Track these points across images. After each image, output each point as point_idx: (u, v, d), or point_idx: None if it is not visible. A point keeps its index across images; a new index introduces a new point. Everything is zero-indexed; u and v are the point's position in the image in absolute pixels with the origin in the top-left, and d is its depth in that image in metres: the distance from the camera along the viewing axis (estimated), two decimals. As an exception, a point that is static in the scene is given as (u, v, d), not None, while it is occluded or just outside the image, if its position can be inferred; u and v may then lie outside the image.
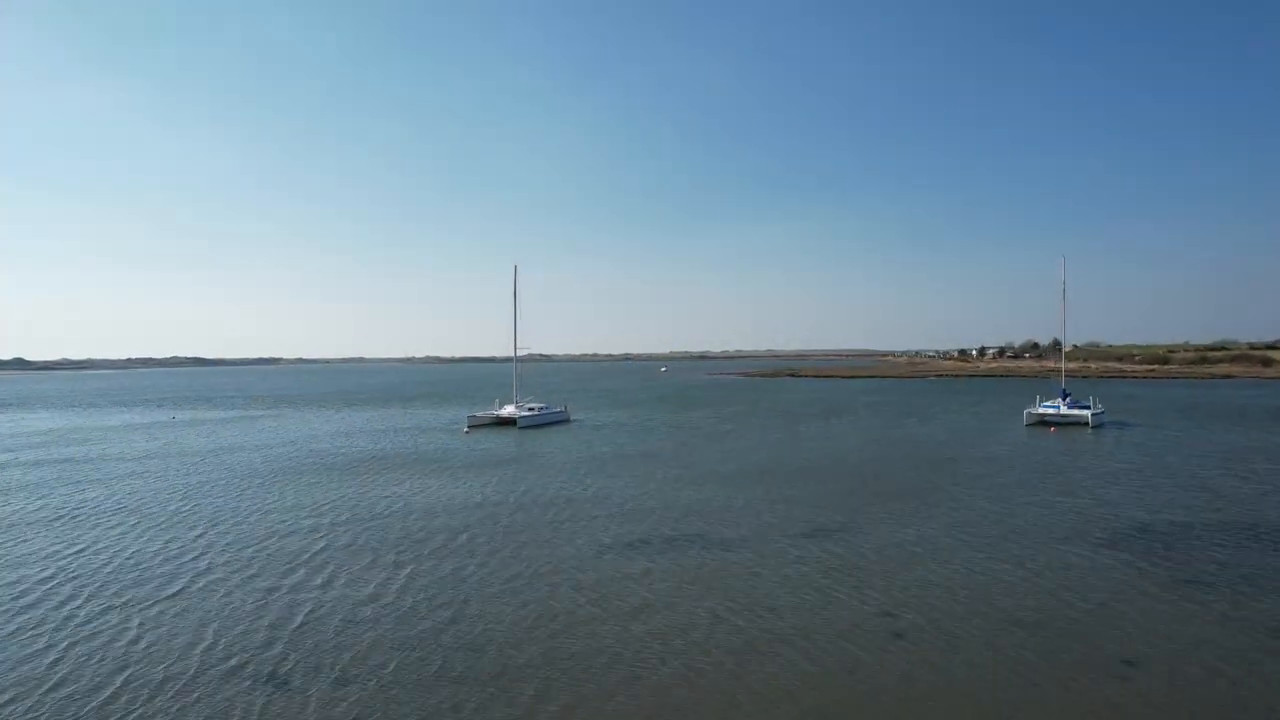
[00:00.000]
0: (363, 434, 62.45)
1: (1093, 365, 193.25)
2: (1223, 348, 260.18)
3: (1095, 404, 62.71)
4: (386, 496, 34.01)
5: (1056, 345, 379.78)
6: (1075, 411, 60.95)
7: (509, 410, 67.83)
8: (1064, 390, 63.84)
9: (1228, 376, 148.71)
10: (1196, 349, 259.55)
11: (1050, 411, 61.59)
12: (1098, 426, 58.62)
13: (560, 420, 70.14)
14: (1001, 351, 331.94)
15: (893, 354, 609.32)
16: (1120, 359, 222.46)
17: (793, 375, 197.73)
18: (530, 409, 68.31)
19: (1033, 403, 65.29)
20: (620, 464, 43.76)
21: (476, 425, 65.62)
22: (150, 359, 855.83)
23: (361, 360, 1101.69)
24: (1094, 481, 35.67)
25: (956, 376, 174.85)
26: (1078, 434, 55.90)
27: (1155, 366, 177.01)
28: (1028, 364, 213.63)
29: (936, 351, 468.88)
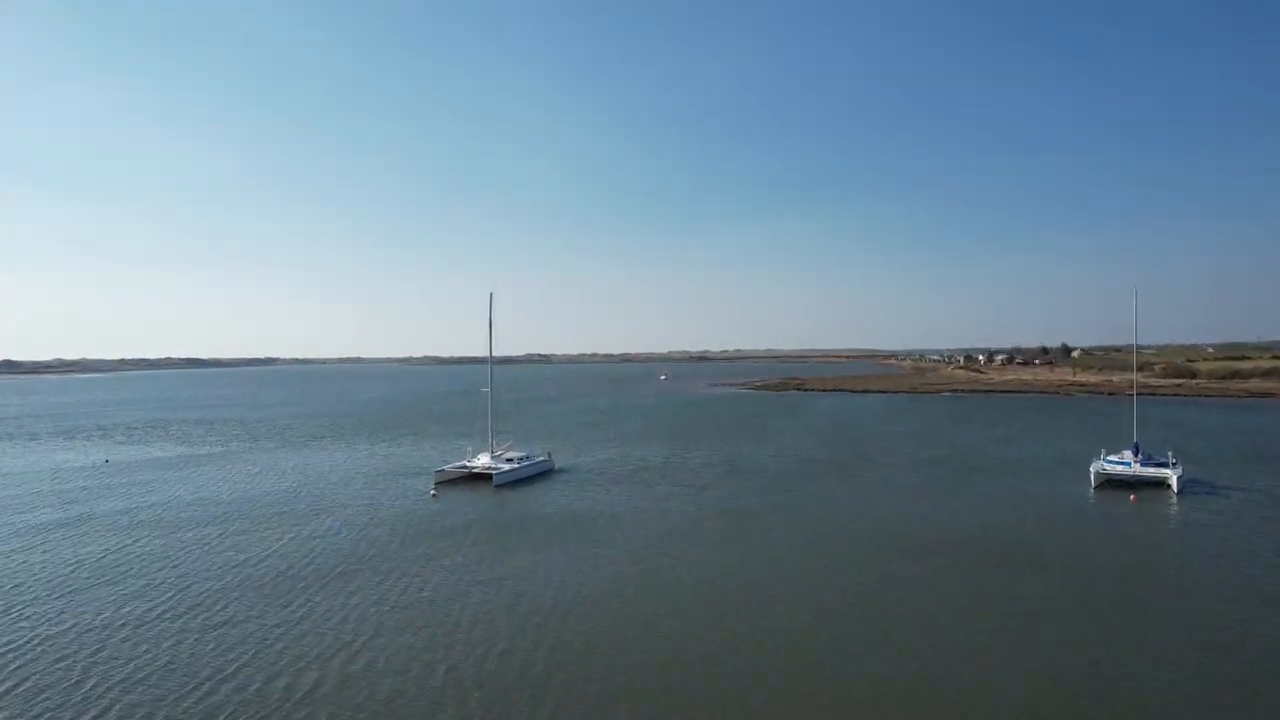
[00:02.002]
0: (310, 497, 52.82)
1: (1115, 379, 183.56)
2: (1242, 355, 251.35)
3: (1172, 460, 53.25)
4: (289, 653, 24.44)
5: (1066, 351, 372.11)
6: (1153, 471, 51.44)
7: (483, 462, 58.31)
8: (1135, 444, 54.21)
9: (1267, 395, 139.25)
10: (1216, 356, 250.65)
11: (1122, 470, 52.03)
12: (1183, 491, 48.93)
13: (543, 471, 60.61)
14: (1010, 358, 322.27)
15: (895, 356, 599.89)
16: (1140, 369, 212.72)
17: (799, 388, 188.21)
18: (508, 460, 58.81)
19: (1091, 448, 56.09)
20: (610, 568, 34.14)
21: (445, 481, 56.14)
22: (144, 360, 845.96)
23: (360, 360, 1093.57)
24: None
25: (971, 392, 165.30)
26: (1164, 503, 46.48)
27: (1182, 381, 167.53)
28: (1043, 375, 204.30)
29: (941, 355, 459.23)
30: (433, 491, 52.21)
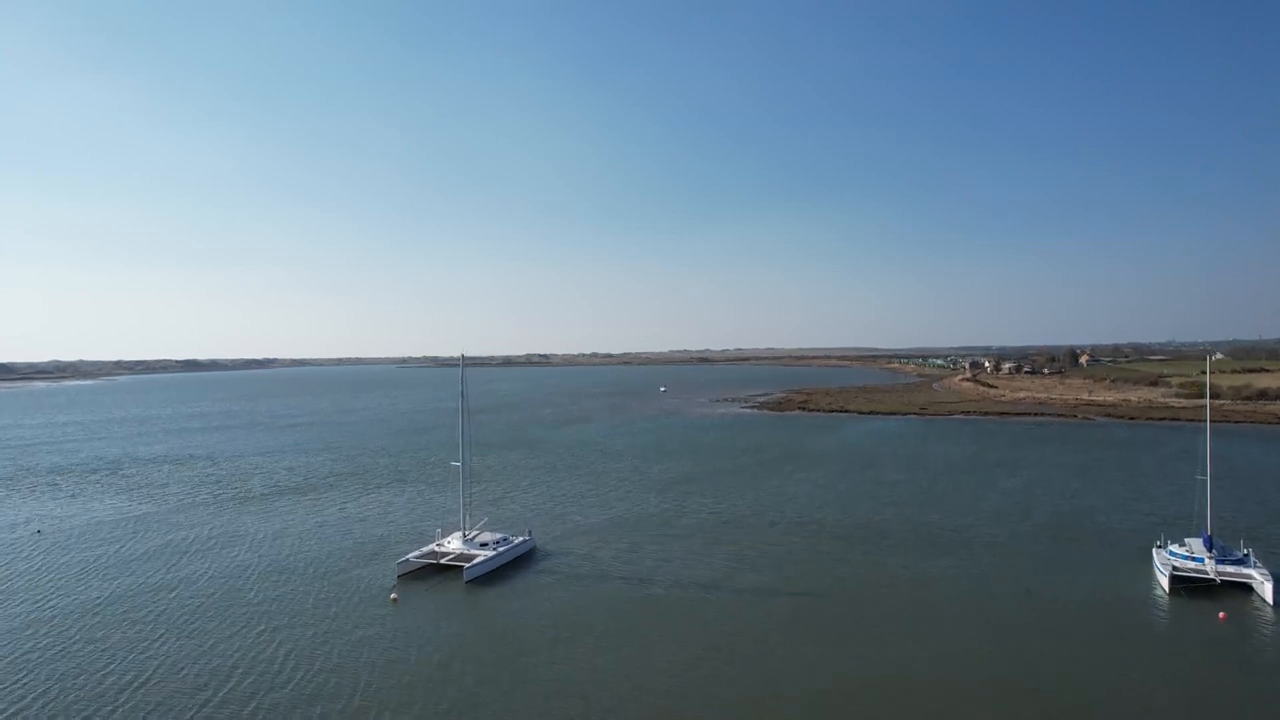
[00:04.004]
0: (252, 597, 45.46)
1: (1132, 398, 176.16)
2: (1260, 366, 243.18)
3: (1249, 553, 45.89)
4: None
5: (1073, 357, 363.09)
6: (1233, 570, 44.06)
7: (454, 547, 50.99)
8: (1207, 535, 46.73)
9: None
10: (1231, 366, 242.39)
11: (1196, 567, 44.50)
12: (1278, 603, 41.15)
13: (523, 553, 53.21)
14: (1018, 366, 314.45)
15: (896, 359, 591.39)
16: (1155, 383, 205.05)
17: (802, 408, 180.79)
18: (482, 544, 51.40)
19: (1135, 512, 48.83)
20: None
21: (411, 573, 48.71)
22: (140, 362, 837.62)
23: (358, 361, 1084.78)
24: None
25: (985, 414, 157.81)
26: (1260, 620, 39.11)
27: (1203, 402, 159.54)
28: (1057, 392, 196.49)
29: (945, 360, 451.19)
30: (393, 595, 44.69)
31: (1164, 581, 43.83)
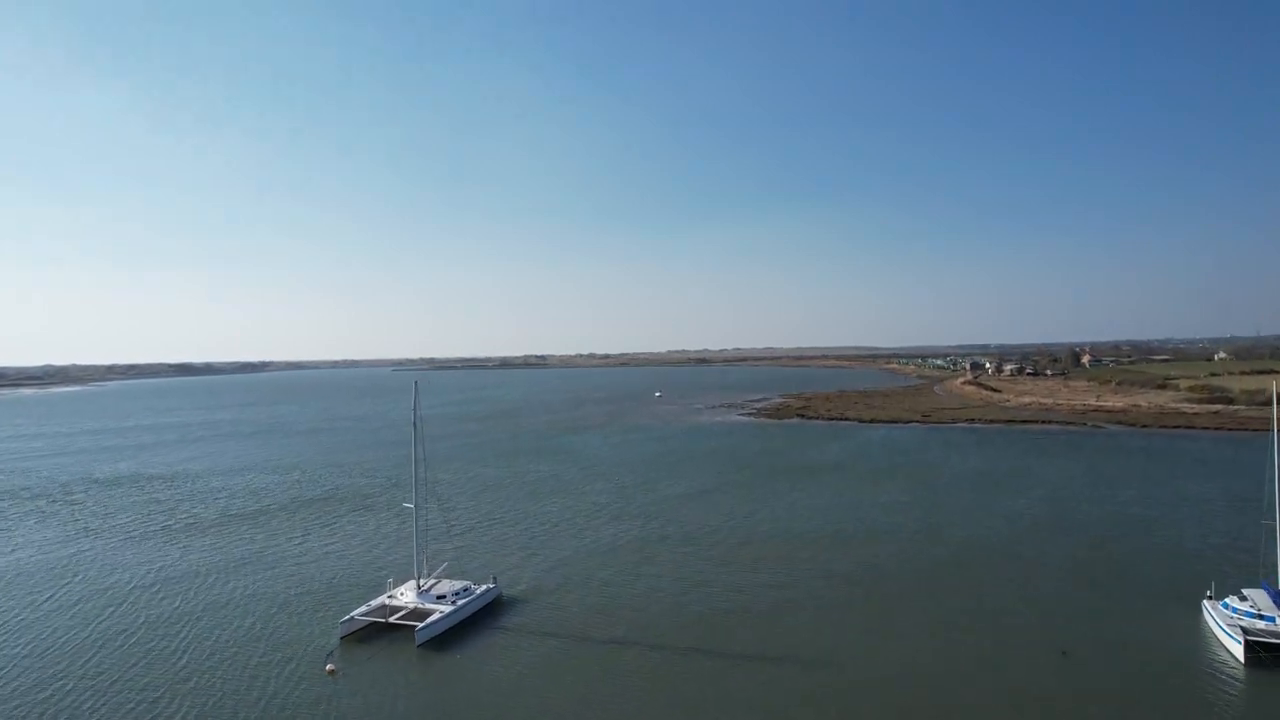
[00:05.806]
0: (169, 662, 39.54)
1: (1143, 403, 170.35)
2: (1267, 369, 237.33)
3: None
4: None
5: (1075, 357, 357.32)
6: (1310, 631, 37.91)
7: (406, 600, 45.05)
8: (1274, 590, 40.59)
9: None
10: (1241, 368, 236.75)
11: (1269, 628, 38.28)
12: None
13: (485, 604, 47.13)
14: (1020, 368, 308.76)
15: (895, 359, 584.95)
16: (1162, 386, 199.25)
17: (801, 415, 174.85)
18: (440, 596, 45.39)
19: (1163, 540, 42.53)
20: None
21: (355, 633, 42.62)
22: (134, 366, 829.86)
23: (354, 364, 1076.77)
24: None
25: (990, 422, 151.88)
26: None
27: (1219, 408, 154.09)
28: (1063, 398, 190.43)
29: (945, 362, 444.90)
30: (330, 666, 38.53)
31: (1236, 648, 37.38)
